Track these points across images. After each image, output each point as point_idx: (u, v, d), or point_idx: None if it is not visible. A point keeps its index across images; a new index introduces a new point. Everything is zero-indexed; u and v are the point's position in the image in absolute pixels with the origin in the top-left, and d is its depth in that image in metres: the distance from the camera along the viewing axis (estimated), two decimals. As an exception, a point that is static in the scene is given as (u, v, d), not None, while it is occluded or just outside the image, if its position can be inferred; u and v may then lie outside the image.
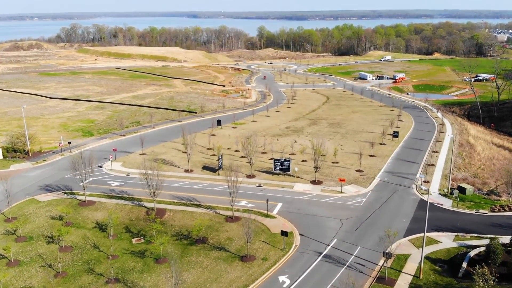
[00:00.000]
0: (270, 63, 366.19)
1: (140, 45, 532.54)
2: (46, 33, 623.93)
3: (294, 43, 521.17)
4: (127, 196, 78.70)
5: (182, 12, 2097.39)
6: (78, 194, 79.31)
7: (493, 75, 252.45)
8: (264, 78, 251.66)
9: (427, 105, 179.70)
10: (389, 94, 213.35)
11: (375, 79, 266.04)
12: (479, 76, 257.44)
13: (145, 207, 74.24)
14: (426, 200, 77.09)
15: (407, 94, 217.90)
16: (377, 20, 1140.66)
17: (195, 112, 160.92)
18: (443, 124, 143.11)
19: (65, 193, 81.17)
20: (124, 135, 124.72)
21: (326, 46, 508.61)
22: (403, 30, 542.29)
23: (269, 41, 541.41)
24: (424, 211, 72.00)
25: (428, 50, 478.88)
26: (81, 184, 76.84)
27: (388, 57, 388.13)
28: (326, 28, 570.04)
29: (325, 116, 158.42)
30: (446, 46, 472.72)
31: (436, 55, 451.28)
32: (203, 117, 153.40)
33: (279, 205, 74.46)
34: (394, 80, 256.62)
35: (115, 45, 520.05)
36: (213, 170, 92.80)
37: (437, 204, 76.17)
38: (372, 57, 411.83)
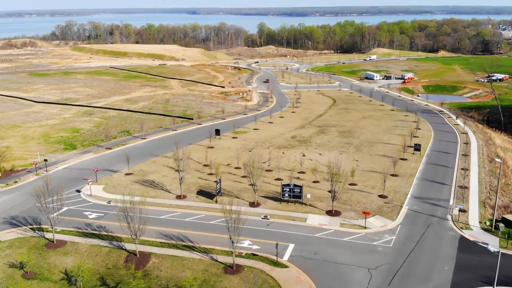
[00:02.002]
0: (257, 63, 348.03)
1: (137, 42, 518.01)
2: (43, 30, 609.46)
3: (295, 40, 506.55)
4: (105, 234, 64.91)
5: (181, 9, 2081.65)
6: (47, 231, 65.53)
7: (506, 75, 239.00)
8: (267, 81, 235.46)
9: (442, 109, 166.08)
10: (399, 96, 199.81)
11: (383, 79, 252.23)
12: (492, 76, 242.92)
13: (125, 250, 60.46)
14: (467, 236, 63.93)
15: (418, 95, 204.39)
16: (378, 16, 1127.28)
17: (192, 119, 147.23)
18: (465, 132, 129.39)
19: (32, 228, 67.43)
20: (110, 148, 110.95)
21: (328, 43, 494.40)
22: (406, 27, 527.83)
23: (270, 38, 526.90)
24: (468, 253, 58.77)
25: (433, 47, 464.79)
26: (50, 217, 62.81)
27: (373, 57, 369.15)
28: (328, 25, 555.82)
29: (334, 122, 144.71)
30: (452, 44, 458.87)
31: (442, 53, 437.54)
32: (200, 124, 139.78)
33: (291, 246, 60.73)
34: (403, 80, 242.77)
35: (111, 43, 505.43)
36: (209, 195, 79.05)
37: (482, 243, 62.37)
38: (377, 55, 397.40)
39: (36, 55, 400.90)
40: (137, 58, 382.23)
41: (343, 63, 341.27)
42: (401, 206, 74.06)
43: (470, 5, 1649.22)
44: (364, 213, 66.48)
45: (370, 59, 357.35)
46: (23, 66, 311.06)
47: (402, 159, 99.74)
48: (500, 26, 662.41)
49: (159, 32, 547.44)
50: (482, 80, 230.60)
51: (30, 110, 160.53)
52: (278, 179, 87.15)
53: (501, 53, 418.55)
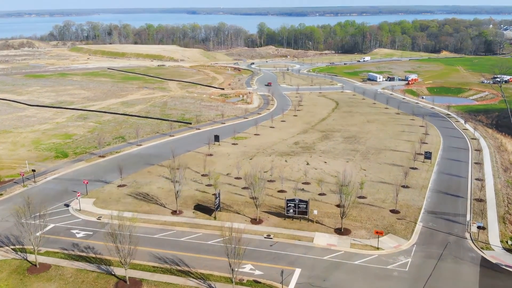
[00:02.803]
0: (252, 64, 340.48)
1: (135, 43, 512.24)
2: (41, 30, 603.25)
3: (295, 41, 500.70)
4: (93, 256, 59.27)
5: (181, 8, 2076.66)
6: (30, 252, 59.88)
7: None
8: (269, 85, 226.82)
9: (449, 113, 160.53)
10: (403, 98, 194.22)
11: (386, 80, 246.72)
12: (497, 77, 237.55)
13: (115, 275, 54.85)
14: (489, 258, 58.44)
15: (423, 98, 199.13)
16: (377, 16, 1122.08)
17: (190, 123, 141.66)
18: (475, 138, 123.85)
19: (15, 249, 61.82)
20: (103, 156, 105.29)
21: (328, 43, 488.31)
22: (408, 27, 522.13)
23: (270, 38, 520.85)
24: (492, 277, 53.22)
25: (435, 48, 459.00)
26: (32, 238, 57.16)
27: (367, 58, 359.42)
28: (328, 25, 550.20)
29: (338, 126, 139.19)
30: (454, 44, 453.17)
31: (445, 53, 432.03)
32: (199, 129, 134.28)
33: (297, 272, 55.13)
34: (407, 82, 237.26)
35: (110, 43, 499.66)
36: (208, 210, 73.41)
37: (506, 266, 57.06)
38: (379, 55, 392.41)
39: (33, 55, 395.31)
40: (136, 59, 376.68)
41: (344, 63, 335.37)
42: (415, 223, 68.49)
43: (470, 4, 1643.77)
44: (377, 232, 60.84)
45: (364, 61, 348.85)
46: (19, 67, 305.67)
47: (412, 168, 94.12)
48: (502, 26, 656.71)
49: (158, 33, 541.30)
50: (488, 81, 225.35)
51: (23, 114, 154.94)
52: (281, 191, 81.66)
53: (504, 54, 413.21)
